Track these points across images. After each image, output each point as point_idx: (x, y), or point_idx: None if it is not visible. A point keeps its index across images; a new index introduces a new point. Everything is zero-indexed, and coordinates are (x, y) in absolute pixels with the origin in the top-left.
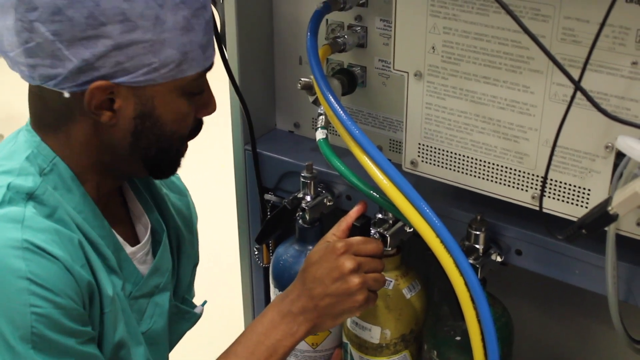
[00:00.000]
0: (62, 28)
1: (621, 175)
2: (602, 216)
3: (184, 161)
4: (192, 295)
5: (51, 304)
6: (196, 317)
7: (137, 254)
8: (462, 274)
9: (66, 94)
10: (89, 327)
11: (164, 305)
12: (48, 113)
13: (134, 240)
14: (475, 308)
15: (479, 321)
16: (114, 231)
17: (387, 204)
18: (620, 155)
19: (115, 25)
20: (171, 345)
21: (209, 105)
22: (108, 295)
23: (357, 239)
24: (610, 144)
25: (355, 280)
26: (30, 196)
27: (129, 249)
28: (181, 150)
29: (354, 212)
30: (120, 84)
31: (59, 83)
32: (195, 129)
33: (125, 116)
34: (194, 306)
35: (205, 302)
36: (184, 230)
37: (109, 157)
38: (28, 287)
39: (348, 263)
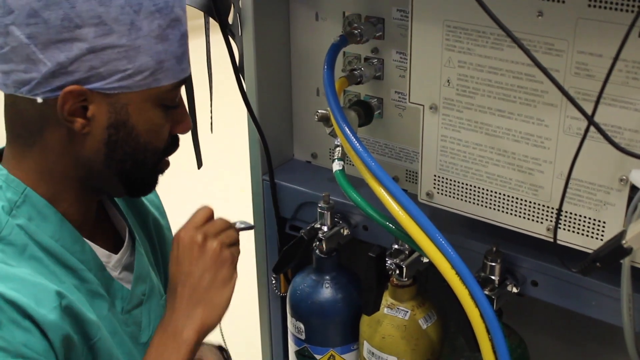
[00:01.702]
0: (37, 31)
1: (635, 208)
2: (616, 249)
3: (208, 187)
4: None
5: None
6: None
7: (122, 259)
8: (477, 305)
9: (39, 100)
10: None
11: (157, 309)
12: (22, 125)
13: (117, 244)
14: (491, 339)
15: (495, 352)
16: (95, 251)
17: (403, 235)
18: (634, 189)
19: (90, 28)
20: None
21: (183, 122)
22: (93, 323)
23: (198, 215)
24: (624, 177)
25: (212, 244)
26: None
27: (112, 259)
28: (158, 166)
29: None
30: (94, 91)
31: (33, 88)
32: (171, 145)
33: (99, 125)
34: None
35: None
36: (159, 218)
37: (84, 172)
38: None
39: (198, 237)
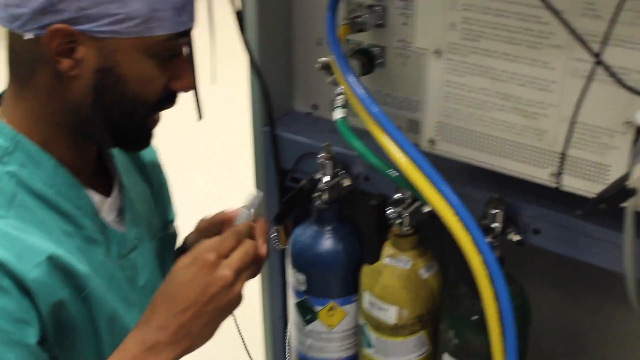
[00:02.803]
0: None
1: None
2: (620, 191)
3: (211, 144)
4: (173, 215)
5: None
6: (173, 237)
7: (115, 202)
8: (479, 252)
9: (29, 35)
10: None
11: (150, 252)
12: (17, 64)
13: (109, 187)
14: (492, 287)
15: (496, 300)
16: (91, 196)
17: (404, 183)
18: (639, 132)
19: None
20: None
21: (183, 78)
22: (84, 274)
23: (223, 242)
24: (629, 120)
25: (237, 288)
26: None
27: (106, 203)
28: (148, 120)
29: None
30: (84, 33)
31: (23, 24)
32: (166, 99)
33: (87, 68)
34: (168, 226)
35: (173, 218)
36: (152, 157)
37: (73, 118)
38: None
39: (226, 273)
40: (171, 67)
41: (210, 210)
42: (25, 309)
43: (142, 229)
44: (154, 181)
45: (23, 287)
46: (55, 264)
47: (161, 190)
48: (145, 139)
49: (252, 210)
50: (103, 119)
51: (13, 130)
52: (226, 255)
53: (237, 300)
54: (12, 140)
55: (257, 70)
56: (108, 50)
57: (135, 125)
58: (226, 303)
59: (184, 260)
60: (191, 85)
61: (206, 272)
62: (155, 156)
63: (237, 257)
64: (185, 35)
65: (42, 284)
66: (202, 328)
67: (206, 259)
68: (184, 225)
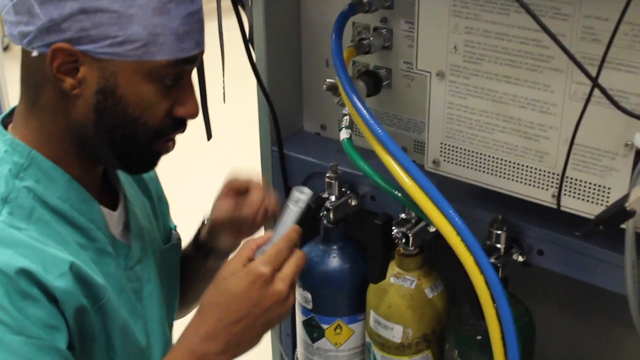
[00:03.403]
0: None
1: None
2: (619, 212)
3: (218, 159)
4: (173, 223)
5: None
6: (178, 245)
7: (121, 216)
8: (482, 273)
9: (35, 53)
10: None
11: (153, 264)
12: (27, 80)
13: (114, 201)
14: (496, 307)
15: (499, 320)
16: (102, 212)
17: (410, 204)
18: (639, 154)
19: None
20: (178, 288)
21: (187, 105)
22: (100, 284)
23: (278, 254)
24: (630, 142)
25: (290, 301)
26: (5, 200)
27: (113, 217)
28: (154, 146)
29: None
30: (86, 53)
31: (30, 41)
32: (173, 125)
33: (89, 89)
34: (171, 235)
35: (175, 226)
36: (154, 176)
37: (78, 137)
38: None
39: (281, 287)
40: (175, 93)
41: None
42: (54, 315)
43: (146, 242)
44: (153, 195)
45: (50, 295)
46: (76, 275)
47: (160, 202)
48: (151, 162)
49: (302, 208)
50: (107, 140)
51: (27, 146)
52: (280, 267)
53: (288, 312)
54: (27, 157)
55: (265, 92)
56: (109, 72)
57: (140, 149)
58: (278, 315)
59: (235, 268)
60: (195, 113)
61: (261, 286)
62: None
63: (291, 271)
64: (189, 62)
65: (66, 293)
66: (251, 339)
67: (261, 273)
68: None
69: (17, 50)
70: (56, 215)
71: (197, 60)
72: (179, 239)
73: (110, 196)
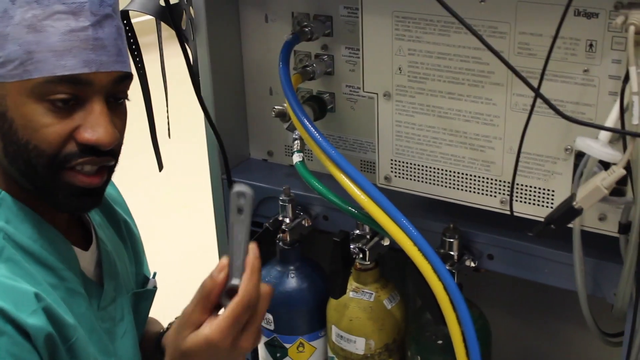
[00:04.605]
0: None
1: (582, 173)
2: (568, 211)
3: (170, 189)
4: (148, 271)
5: None
6: (153, 292)
7: (93, 256)
8: (440, 279)
9: None
10: None
11: (126, 304)
12: None
13: (86, 240)
14: (455, 311)
15: (460, 323)
16: (74, 251)
17: (365, 219)
18: (579, 156)
19: None
20: (141, 331)
21: (93, 130)
22: (70, 324)
23: (241, 320)
24: (569, 147)
25: (245, 345)
26: None
27: (85, 256)
28: (61, 175)
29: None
30: None
31: None
32: (80, 153)
33: None
34: (147, 282)
35: (155, 274)
36: (125, 217)
37: (11, 173)
38: None
39: (246, 346)
40: (79, 117)
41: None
42: (28, 351)
43: (119, 282)
44: (128, 238)
45: (23, 332)
46: (47, 312)
47: (135, 246)
48: (75, 197)
49: (249, 217)
50: (19, 172)
51: None
52: (243, 328)
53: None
54: None
55: (211, 123)
56: (1, 96)
57: (45, 179)
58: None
59: (198, 321)
60: (104, 139)
61: (226, 354)
62: (128, 213)
63: (253, 330)
64: (80, 83)
65: (39, 329)
66: None
67: (223, 347)
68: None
69: None
70: (26, 255)
71: (95, 82)
72: (155, 287)
73: (83, 236)
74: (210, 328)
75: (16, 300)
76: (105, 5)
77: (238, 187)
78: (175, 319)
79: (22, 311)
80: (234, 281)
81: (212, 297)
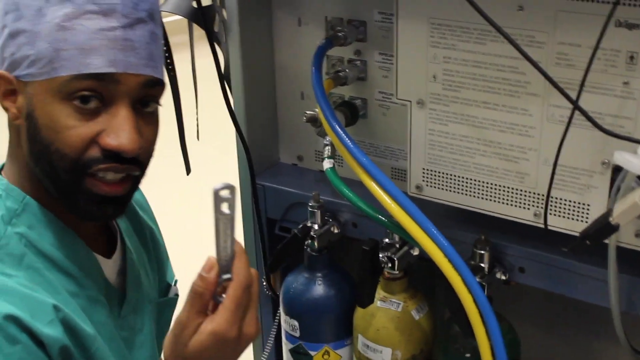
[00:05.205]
0: None
1: (619, 188)
2: (604, 227)
3: (199, 192)
4: (172, 278)
5: None
6: (176, 299)
7: (116, 263)
8: (470, 292)
9: None
10: None
11: (148, 314)
12: (7, 125)
13: (110, 248)
14: (485, 324)
15: (489, 337)
16: (97, 258)
17: (395, 228)
18: (616, 171)
19: (11, 14)
20: (162, 340)
21: (115, 135)
22: (89, 334)
23: (241, 307)
24: (607, 160)
25: (250, 333)
26: None
27: (107, 264)
28: (84, 181)
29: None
30: (18, 78)
31: None
32: (103, 158)
33: (23, 115)
34: (169, 289)
35: (176, 281)
36: (151, 224)
37: (37, 174)
38: None
39: (251, 332)
40: (103, 120)
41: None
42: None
43: (142, 292)
44: (152, 246)
45: (38, 341)
46: (65, 324)
47: (158, 254)
48: (95, 205)
49: (234, 212)
50: (42, 176)
51: (21, 192)
52: (244, 315)
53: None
54: (21, 203)
55: (237, 127)
56: (30, 95)
57: (66, 184)
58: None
59: (195, 324)
60: (126, 145)
61: (233, 346)
62: (153, 219)
63: (253, 314)
64: (107, 81)
65: (54, 340)
66: None
67: (231, 337)
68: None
69: None
70: (48, 262)
71: (121, 83)
72: (177, 295)
73: (107, 243)
74: (213, 322)
75: (33, 310)
76: (140, 10)
77: (222, 183)
78: None
79: (38, 321)
80: (225, 276)
81: (206, 297)
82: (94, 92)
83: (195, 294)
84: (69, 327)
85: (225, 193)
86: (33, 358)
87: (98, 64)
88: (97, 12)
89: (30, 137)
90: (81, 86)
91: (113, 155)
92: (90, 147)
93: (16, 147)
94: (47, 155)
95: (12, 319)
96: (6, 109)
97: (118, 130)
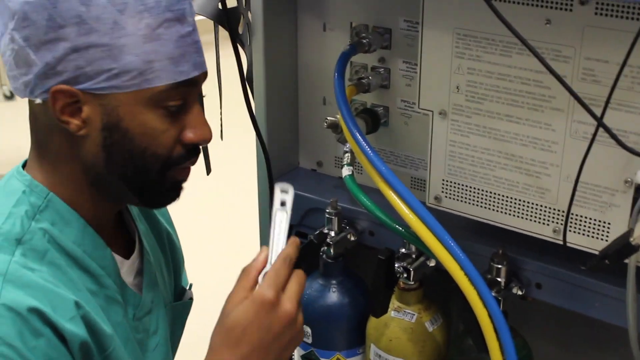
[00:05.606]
0: (29, 33)
1: None
2: (624, 247)
3: (218, 193)
4: (186, 282)
5: None
6: (190, 303)
7: (134, 265)
8: (485, 306)
9: (38, 100)
10: None
11: (163, 317)
12: (36, 129)
13: (128, 249)
14: (499, 339)
15: (502, 352)
16: (114, 259)
17: (412, 238)
18: (639, 190)
19: (72, 27)
20: (177, 343)
21: (197, 129)
22: (107, 334)
23: (278, 276)
24: (629, 179)
25: (300, 321)
26: (19, 241)
27: (125, 265)
28: (169, 175)
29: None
30: (85, 91)
31: (32, 90)
32: (187, 154)
33: (94, 127)
34: (184, 293)
35: (191, 285)
36: (168, 227)
37: (92, 178)
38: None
39: (289, 308)
40: (183, 118)
41: (218, 265)
42: (64, 355)
43: (158, 294)
44: (169, 249)
45: (60, 336)
46: (85, 321)
47: (175, 257)
48: (169, 191)
49: (290, 211)
50: (119, 177)
51: (45, 188)
52: (283, 287)
53: (301, 334)
54: (44, 199)
55: (258, 131)
56: (111, 107)
57: (153, 181)
58: (291, 338)
59: (239, 298)
60: (207, 137)
61: (268, 311)
62: (170, 222)
63: (295, 289)
64: (191, 85)
65: (75, 336)
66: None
67: (266, 298)
68: (193, 278)
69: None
70: (69, 259)
71: (199, 83)
72: (191, 299)
73: (125, 244)
74: (254, 291)
75: (56, 305)
76: (193, 9)
77: (283, 183)
78: None
79: (60, 316)
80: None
81: (252, 274)
82: (183, 99)
83: (243, 271)
84: (89, 324)
85: (285, 187)
86: (56, 352)
87: (187, 70)
88: (173, 19)
89: (114, 147)
90: (176, 94)
91: (193, 148)
92: (176, 145)
93: (57, 152)
94: (140, 160)
95: (36, 312)
96: (65, 123)
97: (197, 125)
